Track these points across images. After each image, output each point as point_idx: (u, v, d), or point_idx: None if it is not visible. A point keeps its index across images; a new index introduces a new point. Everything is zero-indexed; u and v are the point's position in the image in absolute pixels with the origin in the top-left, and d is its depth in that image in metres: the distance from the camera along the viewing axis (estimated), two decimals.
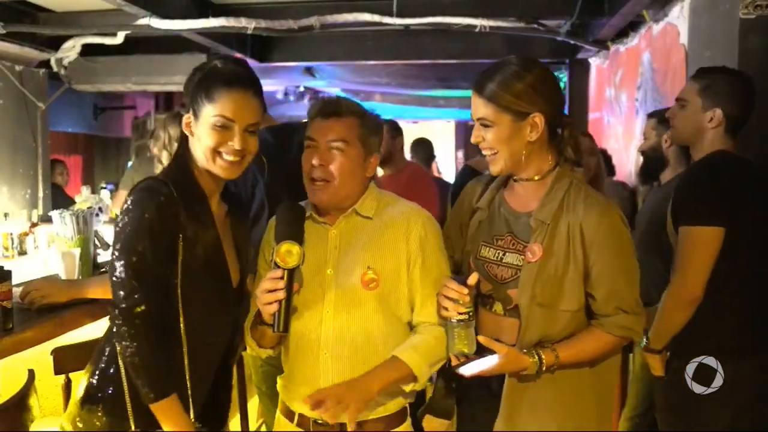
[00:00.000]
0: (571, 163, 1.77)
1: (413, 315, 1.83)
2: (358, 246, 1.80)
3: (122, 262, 1.60)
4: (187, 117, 1.72)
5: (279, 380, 1.94)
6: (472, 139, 1.75)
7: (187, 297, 1.65)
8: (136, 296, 1.58)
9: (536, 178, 1.76)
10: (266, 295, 1.64)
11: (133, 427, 1.64)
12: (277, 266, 1.65)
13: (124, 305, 1.59)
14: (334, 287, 1.78)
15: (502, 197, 1.84)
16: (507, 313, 1.74)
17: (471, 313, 1.68)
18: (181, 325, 1.64)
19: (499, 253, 1.77)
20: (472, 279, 1.70)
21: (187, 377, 1.65)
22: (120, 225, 1.64)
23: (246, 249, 1.85)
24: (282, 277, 1.64)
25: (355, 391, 1.70)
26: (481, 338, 1.69)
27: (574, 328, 1.71)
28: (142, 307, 1.58)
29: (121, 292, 1.59)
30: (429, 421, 1.87)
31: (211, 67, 1.71)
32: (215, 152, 1.67)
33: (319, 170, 1.76)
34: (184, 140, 1.75)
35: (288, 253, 1.64)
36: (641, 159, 3.15)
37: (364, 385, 1.71)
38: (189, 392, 1.66)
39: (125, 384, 1.64)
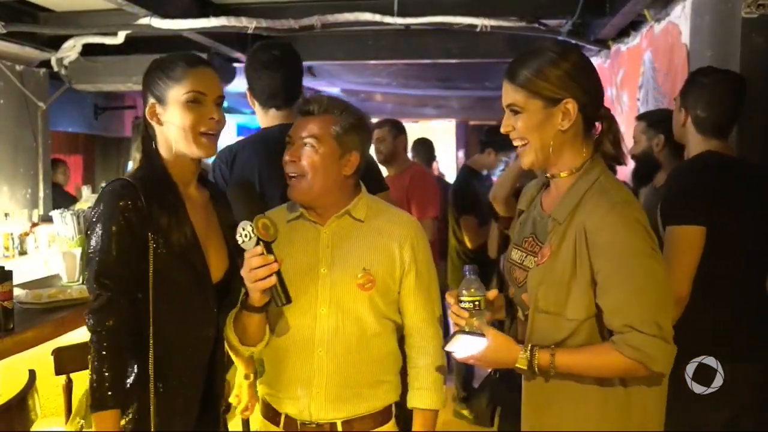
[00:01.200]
0: (610, 159, 1.66)
1: (407, 318, 1.89)
2: (352, 247, 1.83)
3: (93, 268, 1.63)
4: (151, 105, 1.70)
5: (261, 385, 1.94)
6: (502, 129, 1.66)
7: (160, 294, 1.66)
8: (105, 304, 1.61)
9: (567, 173, 1.63)
10: (257, 271, 1.63)
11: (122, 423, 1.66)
12: (259, 242, 1.63)
13: (94, 316, 1.63)
14: (329, 286, 1.80)
15: (540, 198, 1.75)
16: (525, 318, 1.67)
17: (476, 302, 1.63)
18: (150, 323, 1.65)
19: (522, 255, 1.70)
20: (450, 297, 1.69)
21: (151, 374, 1.66)
22: (90, 229, 1.66)
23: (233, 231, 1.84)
24: (264, 252, 1.63)
25: None
26: (474, 321, 1.62)
27: (583, 340, 1.56)
28: (111, 320, 1.61)
29: (93, 299, 1.64)
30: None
31: (166, 56, 1.74)
32: (195, 130, 1.67)
33: (292, 165, 1.80)
34: (147, 137, 1.75)
35: (266, 226, 1.64)
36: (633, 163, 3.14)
37: None
38: (151, 395, 1.67)
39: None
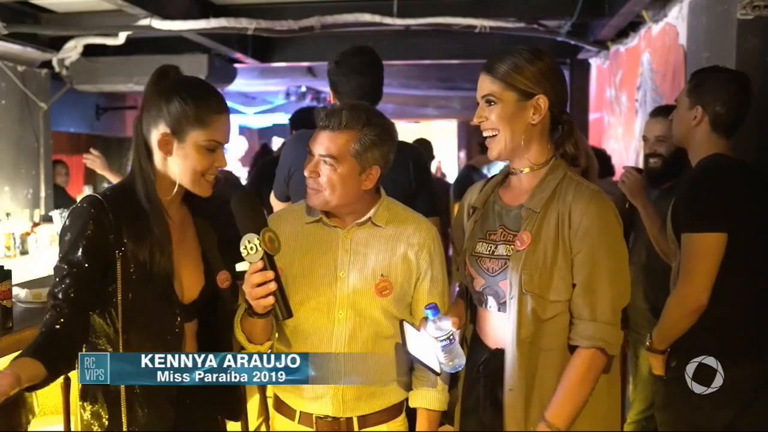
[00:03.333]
0: (569, 160, 1.77)
1: (419, 320, 1.87)
2: (371, 253, 1.84)
3: (55, 280, 1.61)
4: (165, 136, 1.67)
5: None
6: (475, 120, 1.75)
7: (128, 311, 1.66)
8: (54, 313, 1.57)
9: (530, 169, 1.74)
10: (257, 290, 1.63)
11: (125, 421, 1.66)
12: (265, 256, 1.62)
13: (42, 323, 1.58)
14: (346, 291, 1.82)
15: (497, 195, 1.84)
16: (500, 308, 1.74)
17: (451, 336, 1.69)
18: (120, 343, 1.65)
19: (491, 247, 1.77)
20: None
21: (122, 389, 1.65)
22: (60, 242, 1.66)
23: (213, 249, 1.82)
24: (266, 267, 1.63)
25: None
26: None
27: (565, 320, 1.68)
28: (58, 326, 1.56)
29: (47, 312, 1.60)
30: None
31: (191, 87, 1.69)
32: (202, 174, 1.69)
33: (311, 180, 1.81)
34: (143, 154, 1.71)
35: (271, 239, 1.64)
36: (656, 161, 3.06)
37: None
38: (123, 404, 1.65)
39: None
